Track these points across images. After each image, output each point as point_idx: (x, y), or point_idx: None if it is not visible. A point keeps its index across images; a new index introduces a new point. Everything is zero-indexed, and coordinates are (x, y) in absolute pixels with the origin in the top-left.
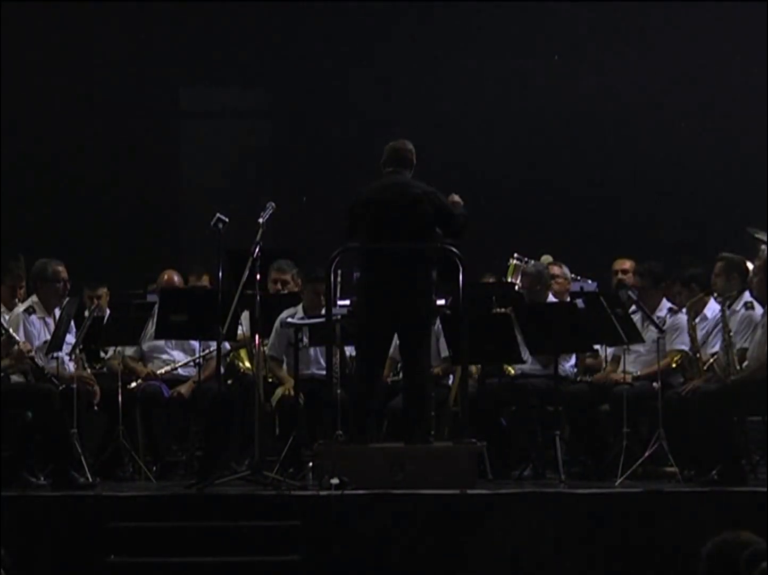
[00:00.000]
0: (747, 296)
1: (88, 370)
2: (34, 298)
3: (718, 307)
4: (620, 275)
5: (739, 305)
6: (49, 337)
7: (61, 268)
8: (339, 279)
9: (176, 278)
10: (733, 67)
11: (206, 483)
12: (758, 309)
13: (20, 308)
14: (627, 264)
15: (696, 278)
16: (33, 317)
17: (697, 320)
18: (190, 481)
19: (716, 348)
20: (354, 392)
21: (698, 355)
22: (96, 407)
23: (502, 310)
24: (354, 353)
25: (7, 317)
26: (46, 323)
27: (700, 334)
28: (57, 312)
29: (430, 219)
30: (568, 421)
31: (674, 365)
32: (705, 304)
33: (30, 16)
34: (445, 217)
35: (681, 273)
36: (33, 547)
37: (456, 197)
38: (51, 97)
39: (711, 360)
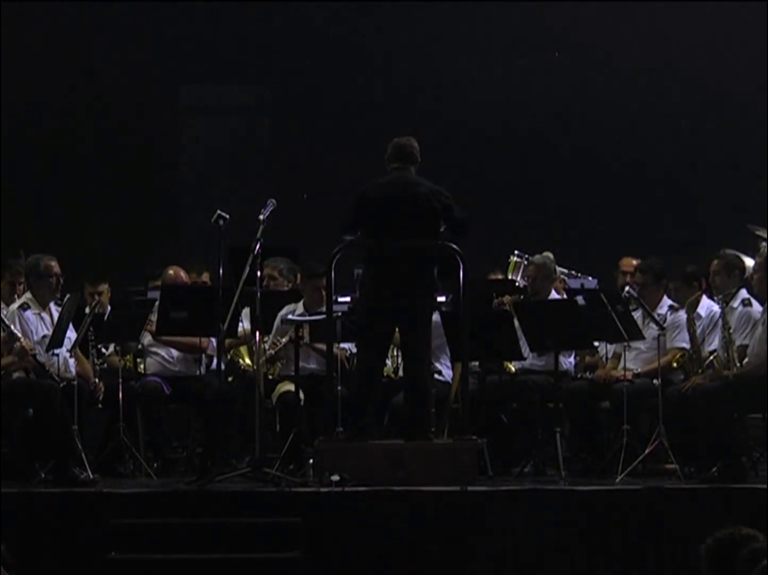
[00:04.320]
0: (744, 293)
1: (97, 365)
2: (28, 294)
3: (710, 304)
4: (628, 278)
5: (736, 302)
6: (45, 332)
7: (53, 263)
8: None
9: (182, 273)
10: (734, 65)
11: (207, 479)
12: (756, 306)
13: (15, 304)
14: (634, 264)
15: (696, 276)
16: (28, 312)
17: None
18: (191, 478)
19: (713, 346)
20: (354, 389)
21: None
22: (100, 406)
23: (502, 302)
24: (355, 350)
25: (5, 313)
26: (41, 318)
27: (697, 332)
28: (52, 306)
29: (435, 218)
30: (569, 418)
31: (674, 365)
32: (698, 302)
33: (30, 14)
34: (450, 216)
35: (683, 271)
36: (33, 544)
37: None
38: (52, 94)
39: (711, 357)
